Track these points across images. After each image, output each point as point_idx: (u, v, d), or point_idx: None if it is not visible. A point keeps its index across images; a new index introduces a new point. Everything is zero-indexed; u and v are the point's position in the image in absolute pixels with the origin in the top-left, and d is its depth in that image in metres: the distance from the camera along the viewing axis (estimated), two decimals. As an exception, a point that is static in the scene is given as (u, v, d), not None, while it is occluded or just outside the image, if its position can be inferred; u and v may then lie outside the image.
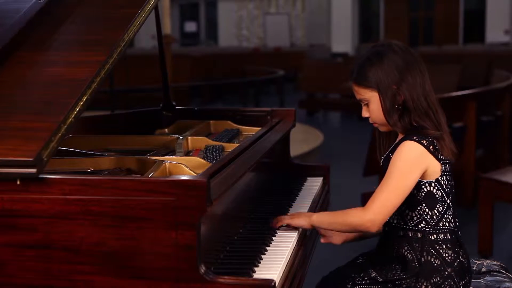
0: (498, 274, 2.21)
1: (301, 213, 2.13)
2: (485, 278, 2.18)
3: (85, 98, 1.73)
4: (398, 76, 1.98)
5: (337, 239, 2.22)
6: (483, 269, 2.22)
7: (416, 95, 1.98)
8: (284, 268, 1.77)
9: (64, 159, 2.05)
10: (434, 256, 1.98)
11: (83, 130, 2.52)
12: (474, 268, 2.20)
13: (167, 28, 7.43)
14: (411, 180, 1.95)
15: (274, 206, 2.26)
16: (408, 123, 2.01)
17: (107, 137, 2.47)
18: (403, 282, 1.99)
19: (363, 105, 2.06)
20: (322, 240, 2.21)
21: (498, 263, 2.26)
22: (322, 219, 2.05)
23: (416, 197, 2.00)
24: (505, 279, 2.18)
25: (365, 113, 2.07)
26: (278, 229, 2.07)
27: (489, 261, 2.28)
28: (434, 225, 2.00)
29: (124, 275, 1.56)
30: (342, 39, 20.71)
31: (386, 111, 2.01)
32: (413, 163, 1.95)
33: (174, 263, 1.54)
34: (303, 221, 2.05)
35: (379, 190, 1.95)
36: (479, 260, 2.27)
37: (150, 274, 1.56)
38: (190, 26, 24.94)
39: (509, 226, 4.91)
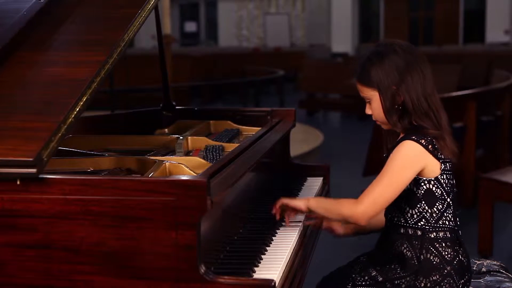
0: (498, 274, 2.21)
1: (300, 198, 2.21)
2: (485, 278, 2.18)
3: (85, 98, 1.73)
4: (398, 77, 1.99)
5: (338, 228, 2.23)
6: (483, 269, 2.22)
7: (416, 97, 1.99)
8: (284, 268, 1.77)
9: (64, 159, 2.05)
10: (433, 255, 1.99)
11: (83, 130, 2.52)
12: (474, 268, 2.20)
13: (167, 28, 7.43)
14: (406, 178, 1.97)
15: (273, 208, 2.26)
16: (408, 123, 2.02)
17: (107, 137, 2.47)
18: (403, 280, 1.99)
19: (366, 102, 2.09)
20: (323, 226, 2.24)
21: (498, 263, 2.26)
22: (317, 204, 2.11)
23: (416, 195, 2.01)
24: (505, 279, 2.18)
25: (368, 110, 2.10)
26: (278, 228, 2.07)
27: (489, 261, 2.28)
28: (433, 223, 2.01)
29: (124, 275, 1.57)
30: (342, 39, 20.70)
31: (386, 111, 2.03)
32: (408, 162, 1.97)
33: (174, 263, 1.54)
34: (300, 203, 2.11)
35: (373, 185, 1.98)
36: (479, 260, 2.27)
37: (150, 274, 1.56)
38: (190, 26, 24.94)
39: (509, 226, 4.91)
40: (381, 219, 2.14)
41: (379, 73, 2.00)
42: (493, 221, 4.21)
